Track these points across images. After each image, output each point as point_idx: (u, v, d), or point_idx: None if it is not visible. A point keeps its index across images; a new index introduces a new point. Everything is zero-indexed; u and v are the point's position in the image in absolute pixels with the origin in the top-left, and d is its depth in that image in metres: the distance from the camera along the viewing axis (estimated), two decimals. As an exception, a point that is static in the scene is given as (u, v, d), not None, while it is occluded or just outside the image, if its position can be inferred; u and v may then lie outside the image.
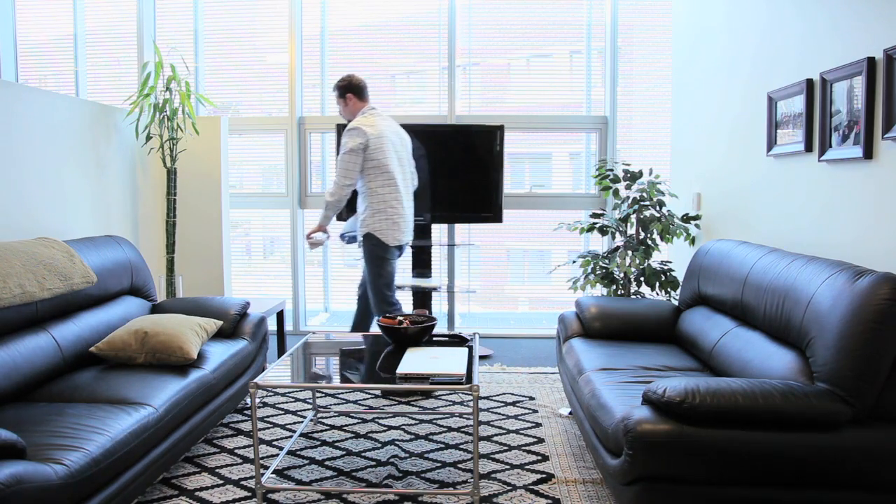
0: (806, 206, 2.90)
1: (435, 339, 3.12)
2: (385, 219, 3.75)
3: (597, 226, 4.27)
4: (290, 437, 3.10)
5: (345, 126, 4.58)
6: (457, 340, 3.11)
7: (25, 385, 2.47)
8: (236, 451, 2.93)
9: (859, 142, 2.47)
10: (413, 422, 3.29)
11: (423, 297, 4.65)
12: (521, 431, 3.16)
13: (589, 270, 4.17)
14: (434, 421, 3.29)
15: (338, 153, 4.60)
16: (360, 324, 4.05)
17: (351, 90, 3.92)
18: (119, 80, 5.23)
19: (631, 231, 4.22)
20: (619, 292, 4.13)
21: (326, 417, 3.34)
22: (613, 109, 5.15)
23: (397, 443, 3.02)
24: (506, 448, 2.97)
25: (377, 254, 3.77)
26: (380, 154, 3.73)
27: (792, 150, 2.98)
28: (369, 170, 3.74)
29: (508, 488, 2.58)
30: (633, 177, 4.18)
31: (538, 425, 3.24)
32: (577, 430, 3.16)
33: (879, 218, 2.39)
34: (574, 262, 4.38)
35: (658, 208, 4.10)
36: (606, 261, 4.16)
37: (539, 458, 2.86)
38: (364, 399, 3.64)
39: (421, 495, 2.52)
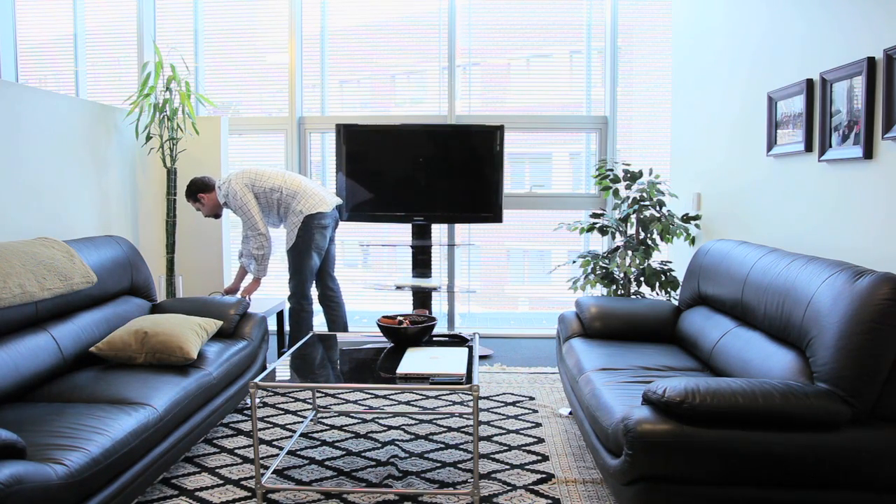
0: (806, 207, 2.90)
1: (435, 339, 3.13)
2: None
3: (597, 226, 4.27)
4: (290, 437, 3.10)
5: (345, 126, 4.59)
6: (457, 340, 3.11)
7: (25, 385, 2.47)
8: (236, 451, 2.93)
9: (859, 142, 2.47)
10: (413, 422, 3.28)
11: (423, 297, 4.65)
12: (521, 431, 3.16)
13: (589, 270, 4.17)
14: (434, 421, 3.29)
15: (337, 155, 4.61)
16: (335, 323, 4.30)
17: (201, 189, 4.05)
18: (119, 80, 5.23)
19: (631, 231, 4.22)
20: (619, 292, 4.13)
21: (326, 417, 3.34)
22: (613, 109, 5.14)
23: (397, 443, 3.02)
24: (506, 448, 2.97)
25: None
26: (261, 181, 3.97)
27: (792, 150, 2.98)
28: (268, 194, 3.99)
29: (508, 488, 2.58)
30: (633, 177, 4.18)
31: (538, 425, 3.24)
32: (577, 430, 3.16)
33: (880, 218, 2.39)
34: (574, 262, 4.38)
35: (658, 208, 4.09)
36: (606, 261, 4.16)
37: (539, 458, 2.86)
38: (364, 399, 3.64)
39: (421, 495, 2.52)
